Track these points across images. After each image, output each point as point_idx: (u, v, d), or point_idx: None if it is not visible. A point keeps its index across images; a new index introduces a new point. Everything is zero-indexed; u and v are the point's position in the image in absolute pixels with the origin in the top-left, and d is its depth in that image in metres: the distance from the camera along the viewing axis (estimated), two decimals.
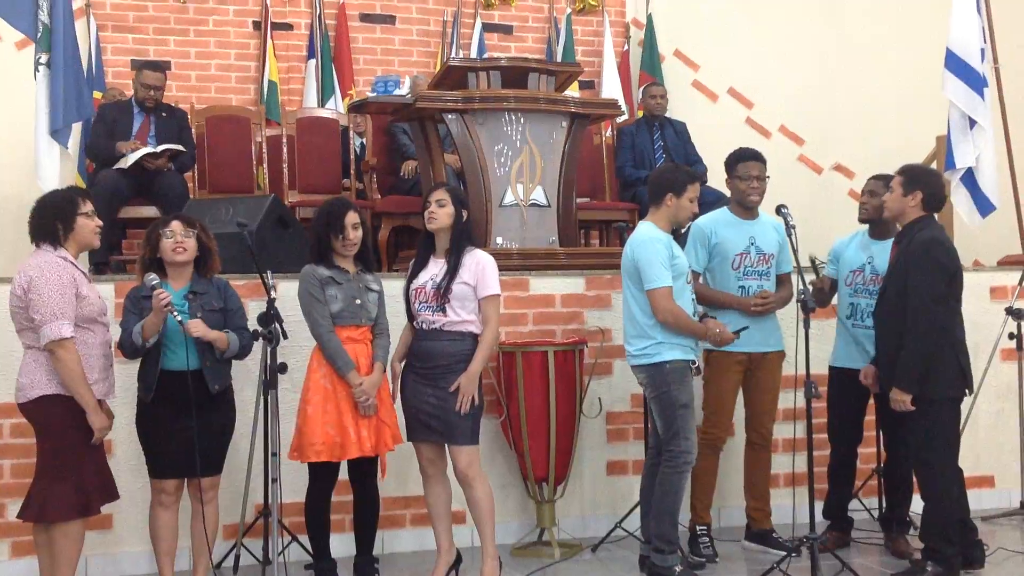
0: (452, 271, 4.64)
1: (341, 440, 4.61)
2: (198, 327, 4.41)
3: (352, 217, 4.72)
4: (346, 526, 5.15)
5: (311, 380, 4.68)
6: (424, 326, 4.69)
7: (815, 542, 4.75)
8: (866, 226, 5.48)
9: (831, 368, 5.46)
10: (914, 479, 5.38)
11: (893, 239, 5.03)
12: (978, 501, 6.24)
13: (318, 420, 4.61)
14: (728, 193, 5.59)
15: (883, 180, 5.40)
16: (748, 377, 5.36)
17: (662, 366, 4.77)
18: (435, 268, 4.71)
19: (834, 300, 5.56)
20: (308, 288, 4.67)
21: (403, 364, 4.80)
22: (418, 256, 4.82)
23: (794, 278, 5.41)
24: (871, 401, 5.41)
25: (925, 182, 4.88)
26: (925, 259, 4.70)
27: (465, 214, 4.75)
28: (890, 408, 5.26)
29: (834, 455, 5.48)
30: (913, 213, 4.87)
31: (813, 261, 5.48)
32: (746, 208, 5.36)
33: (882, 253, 5.34)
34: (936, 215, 4.96)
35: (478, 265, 4.66)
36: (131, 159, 6.52)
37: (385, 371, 4.75)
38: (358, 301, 4.70)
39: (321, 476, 4.77)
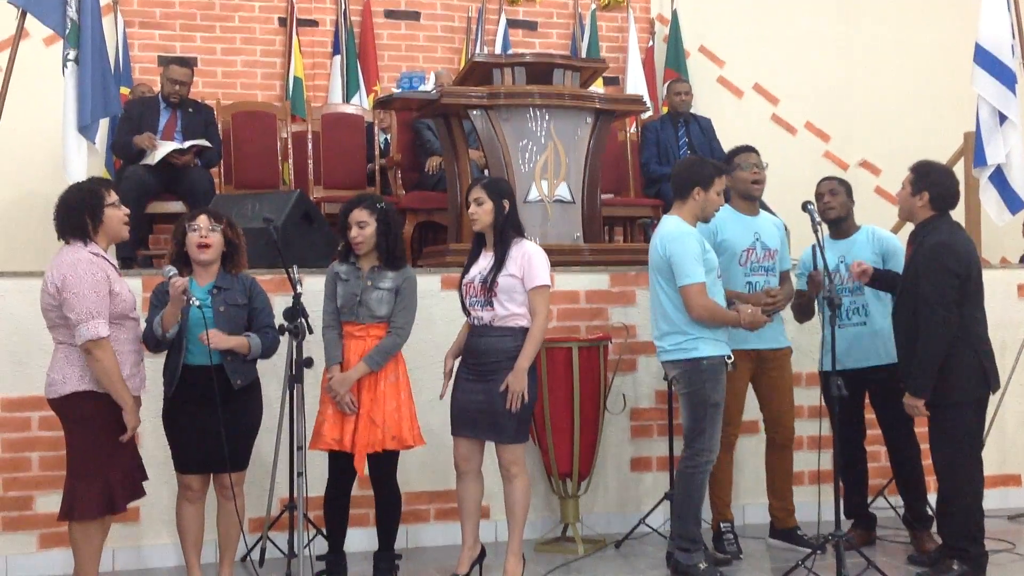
0: (498, 264, 4.63)
1: (318, 429, 4.68)
2: (216, 338, 4.39)
3: (357, 215, 4.69)
4: (370, 520, 5.17)
5: (323, 372, 4.75)
6: (476, 322, 4.69)
7: (840, 539, 4.73)
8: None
9: (821, 373, 5.41)
10: (926, 476, 5.38)
11: (908, 238, 5.01)
12: (1004, 500, 6.22)
13: (318, 409, 4.71)
14: None
15: (836, 179, 5.50)
16: (760, 377, 5.34)
17: (699, 362, 4.73)
18: (484, 262, 4.71)
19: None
20: (325, 284, 4.75)
21: (458, 360, 4.80)
22: (472, 251, 4.82)
23: (792, 277, 5.43)
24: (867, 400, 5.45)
25: (932, 182, 4.83)
26: (933, 264, 4.66)
27: (507, 204, 4.70)
28: (889, 408, 5.25)
29: (841, 456, 5.45)
30: (923, 213, 4.85)
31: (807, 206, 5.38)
32: (751, 199, 5.35)
33: (851, 249, 5.40)
34: (951, 213, 4.91)
35: (524, 257, 4.63)
36: (158, 155, 6.56)
37: (373, 371, 4.63)
38: (357, 298, 4.68)
39: (338, 471, 4.77)
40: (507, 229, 4.69)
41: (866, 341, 5.29)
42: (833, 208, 5.42)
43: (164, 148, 6.61)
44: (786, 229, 5.65)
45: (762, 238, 5.31)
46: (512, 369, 4.56)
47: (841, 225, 5.46)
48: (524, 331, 4.62)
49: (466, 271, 4.78)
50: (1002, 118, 6.75)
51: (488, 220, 4.68)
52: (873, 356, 5.29)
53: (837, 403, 4.80)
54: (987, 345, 4.79)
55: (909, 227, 5.43)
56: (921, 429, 5.16)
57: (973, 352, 4.71)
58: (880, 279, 5.11)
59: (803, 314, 5.51)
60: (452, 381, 4.80)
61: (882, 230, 5.49)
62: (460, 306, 4.82)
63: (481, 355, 4.64)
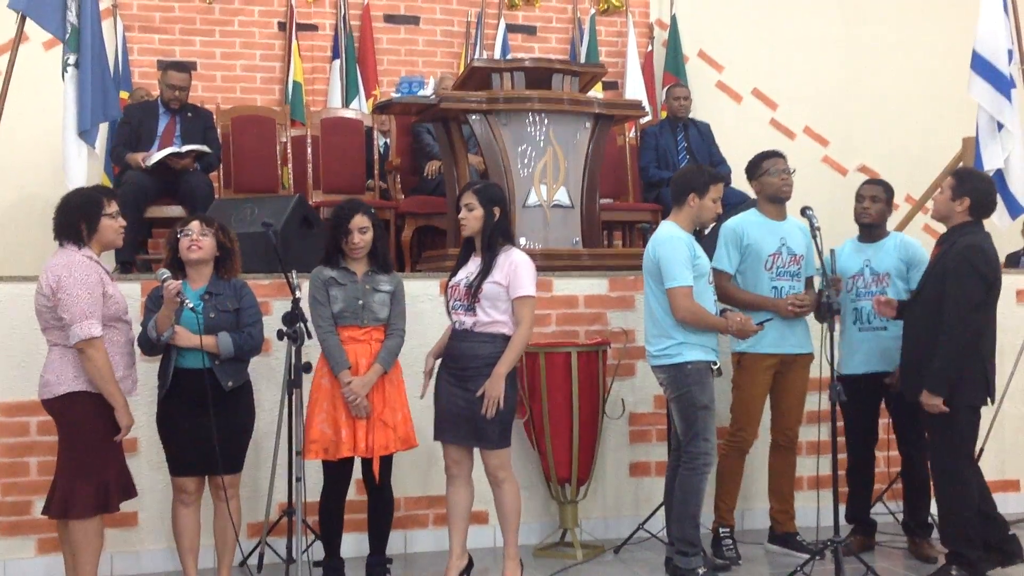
0: (485, 271, 4.63)
1: (335, 439, 4.64)
2: (181, 336, 4.45)
3: (359, 221, 4.71)
4: (364, 525, 5.16)
5: (315, 380, 4.71)
6: (457, 326, 4.69)
7: (839, 545, 4.73)
8: (855, 234, 5.51)
9: (840, 376, 5.41)
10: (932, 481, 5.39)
11: (936, 240, 5.03)
12: (1003, 505, 6.15)
13: (315, 419, 4.65)
14: (752, 195, 5.59)
15: (880, 185, 5.46)
16: (778, 379, 5.34)
17: (683, 367, 4.76)
18: (472, 267, 4.71)
19: None
20: (312, 290, 4.72)
21: (438, 362, 4.80)
22: (461, 254, 4.82)
23: (817, 280, 5.42)
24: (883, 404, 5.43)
25: (974, 188, 4.87)
26: (964, 266, 4.69)
27: (497, 211, 4.70)
28: (904, 412, 5.25)
29: (850, 459, 5.46)
30: (959, 218, 4.88)
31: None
32: (780, 203, 5.35)
33: (877, 254, 5.39)
34: (983, 221, 4.96)
35: (511, 265, 4.63)
36: (155, 158, 6.56)
37: (386, 372, 4.69)
38: (360, 302, 4.70)
39: (332, 476, 4.78)
40: (495, 236, 4.69)
41: (885, 346, 5.27)
42: (869, 214, 5.40)
43: (162, 151, 6.61)
44: None
45: (788, 243, 5.31)
46: (490, 375, 4.57)
47: (873, 231, 5.44)
48: (505, 338, 4.63)
49: (453, 274, 4.79)
50: (1000, 124, 6.77)
51: (477, 226, 4.68)
52: (891, 362, 5.26)
53: (835, 407, 4.80)
54: (992, 355, 4.83)
55: (912, 227, 5.47)
56: None
57: (980, 359, 4.75)
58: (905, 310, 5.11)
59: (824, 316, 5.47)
60: (433, 383, 4.79)
61: (910, 238, 5.47)
62: (446, 309, 4.82)
63: (461, 359, 4.65)
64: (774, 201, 5.35)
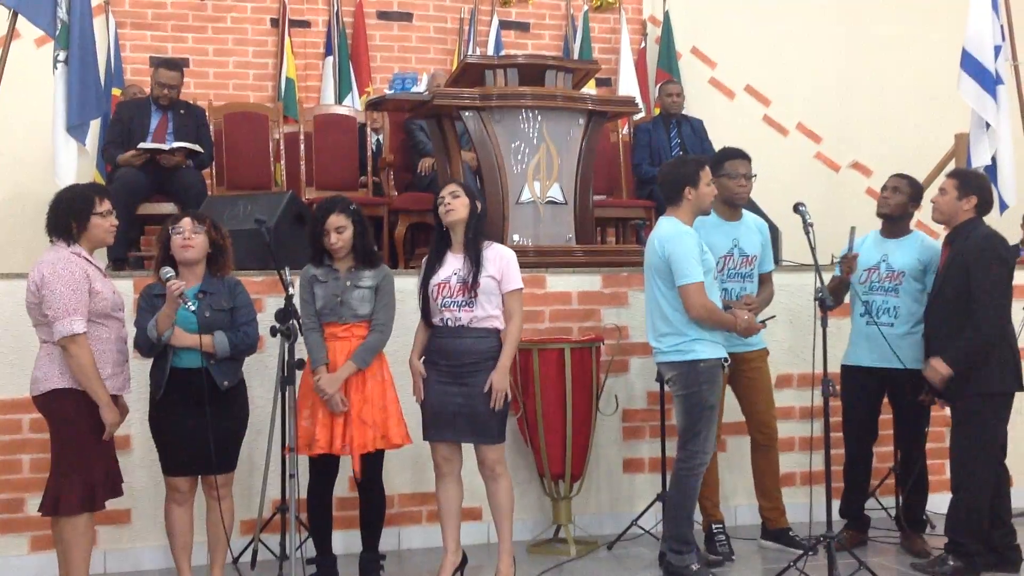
0: (477, 265, 4.62)
1: (313, 435, 4.64)
2: (178, 336, 4.43)
3: (334, 221, 4.66)
4: (356, 522, 5.15)
5: (303, 377, 4.70)
6: (448, 323, 4.66)
7: (832, 540, 4.74)
8: (878, 227, 5.50)
9: (844, 367, 5.44)
10: (930, 478, 5.40)
11: (944, 239, 5.06)
12: None
13: (300, 415, 4.65)
14: None
15: (907, 179, 5.41)
16: (738, 378, 5.33)
17: (696, 364, 4.73)
18: (456, 263, 4.68)
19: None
20: (300, 288, 4.73)
21: (422, 361, 4.76)
22: (433, 252, 4.78)
23: (811, 277, 5.41)
24: (885, 399, 5.43)
25: (979, 186, 4.97)
26: (987, 255, 4.76)
27: (479, 206, 4.72)
28: (908, 408, 5.27)
29: (848, 454, 5.47)
30: (964, 216, 4.94)
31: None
32: (733, 207, 5.33)
33: (896, 250, 5.36)
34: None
35: (502, 259, 4.65)
36: (146, 145, 6.56)
37: (360, 369, 4.63)
38: (339, 299, 4.67)
39: (318, 472, 4.77)
40: (480, 230, 4.71)
41: (891, 343, 5.26)
42: (887, 205, 5.39)
43: (153, 144, 6.60)
44: (777, 230, 5.63)
45: (740, 244, 5.29)
46: (493, 369, 4.58)
47: (894, 225, 5.42)
48: (498, 332, 4.65)
49: (431, 272, 4.72)
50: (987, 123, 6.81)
51: (464, 213, 4.67)
52: (894, 359, 5.24)
53: (827, 403, 4.81)
54: (1016, 341, 4.89)
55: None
56: (935, 428, 5.22)
57: (1009, 347, 4.81)
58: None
59: (835, 298, 5.44)
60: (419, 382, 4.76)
61: (933, 240, 5.45)
62: (420, 308, 4.76)
63: (457, 356, 4.63)
64: (727, 204, 5.33)
